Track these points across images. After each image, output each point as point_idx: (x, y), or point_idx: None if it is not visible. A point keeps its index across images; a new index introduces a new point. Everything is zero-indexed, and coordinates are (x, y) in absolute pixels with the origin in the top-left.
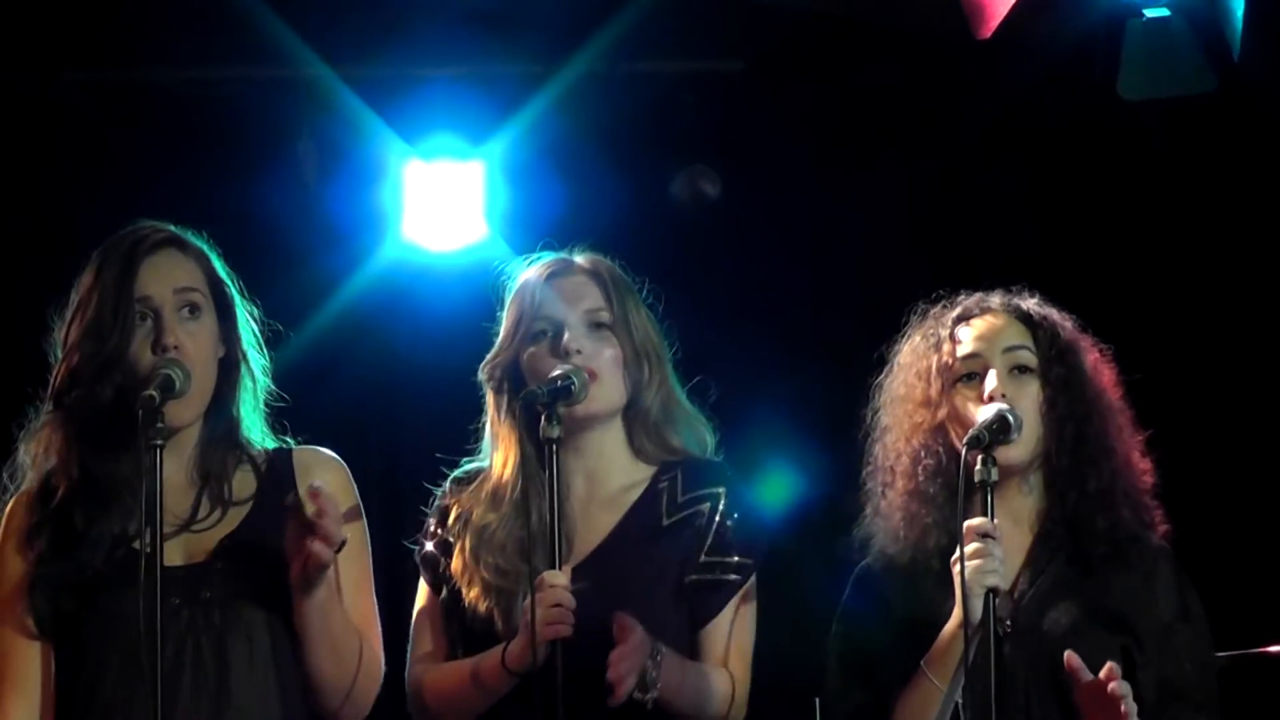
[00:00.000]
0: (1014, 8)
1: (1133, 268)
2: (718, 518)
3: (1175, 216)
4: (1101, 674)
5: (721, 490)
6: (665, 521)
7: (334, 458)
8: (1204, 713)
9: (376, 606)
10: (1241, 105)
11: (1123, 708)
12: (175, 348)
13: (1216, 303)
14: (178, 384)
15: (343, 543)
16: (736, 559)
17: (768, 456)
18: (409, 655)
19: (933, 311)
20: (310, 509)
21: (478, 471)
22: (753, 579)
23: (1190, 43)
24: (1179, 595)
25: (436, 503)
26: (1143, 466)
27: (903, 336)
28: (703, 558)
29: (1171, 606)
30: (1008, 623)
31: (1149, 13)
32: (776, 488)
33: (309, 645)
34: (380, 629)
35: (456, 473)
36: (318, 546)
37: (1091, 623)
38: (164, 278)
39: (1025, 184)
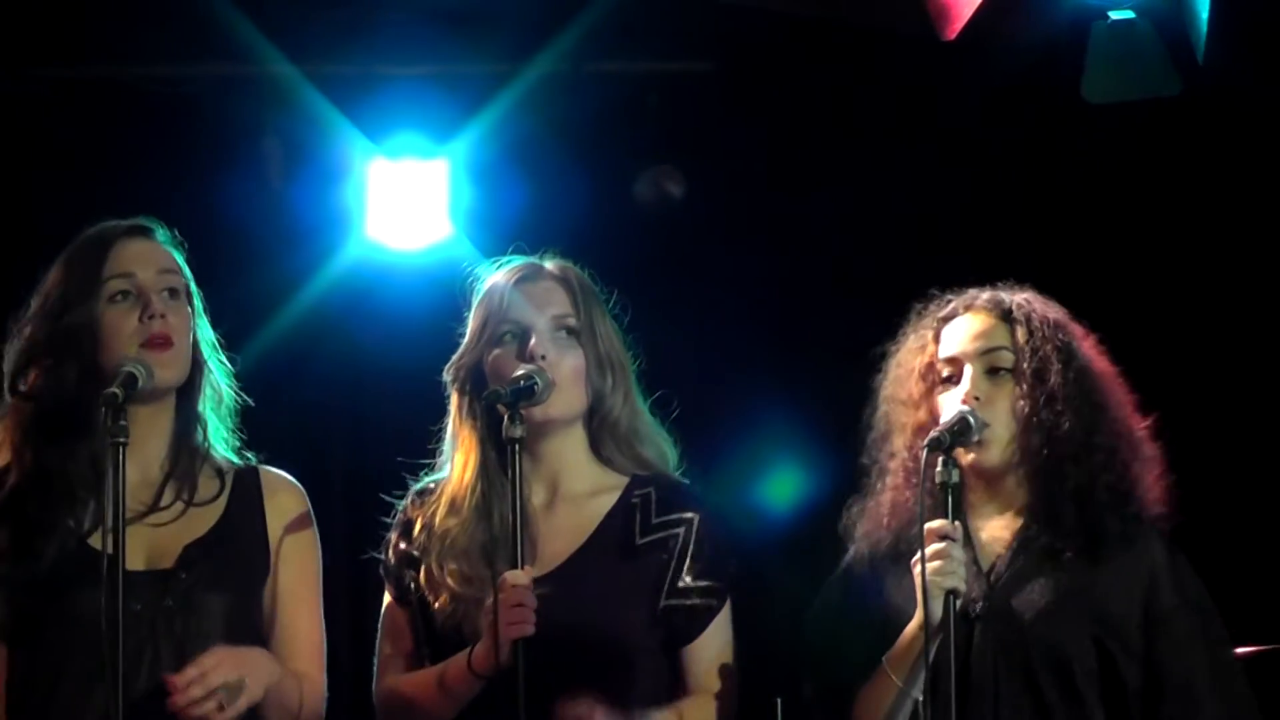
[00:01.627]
0: (979, 9)
1: (1095, 267)
2: (692, 543)
3: (1139, 219)
4: None
5: (695, 516)
6: (638, 540)
7: (295, 483)
8: (1224, 701)
9: (322, 628)
10: (1207, 107)
11: None
12: (162, 316)
13: (1185, 301)
14: (141, 381)
15: (239, 690)
16: (712, 583)
17: (732, 458)
18: (375, 665)
19: (928, 309)
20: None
21: (438, 483)
22: (728, 603)
23: (1155, 45)
24: (1174, 579)
25: (399, 515)
26: (1138, 455)
27: (901, 334)
28: (680, 583)
29: (1167, 592)
30: (979, 604)
31: (1114, 15)
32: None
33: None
34: (325, 651)
35: (418, 485)
36: (222, 716)
37: (1065, 608)
38: (148, 259)
39: (991, 184)
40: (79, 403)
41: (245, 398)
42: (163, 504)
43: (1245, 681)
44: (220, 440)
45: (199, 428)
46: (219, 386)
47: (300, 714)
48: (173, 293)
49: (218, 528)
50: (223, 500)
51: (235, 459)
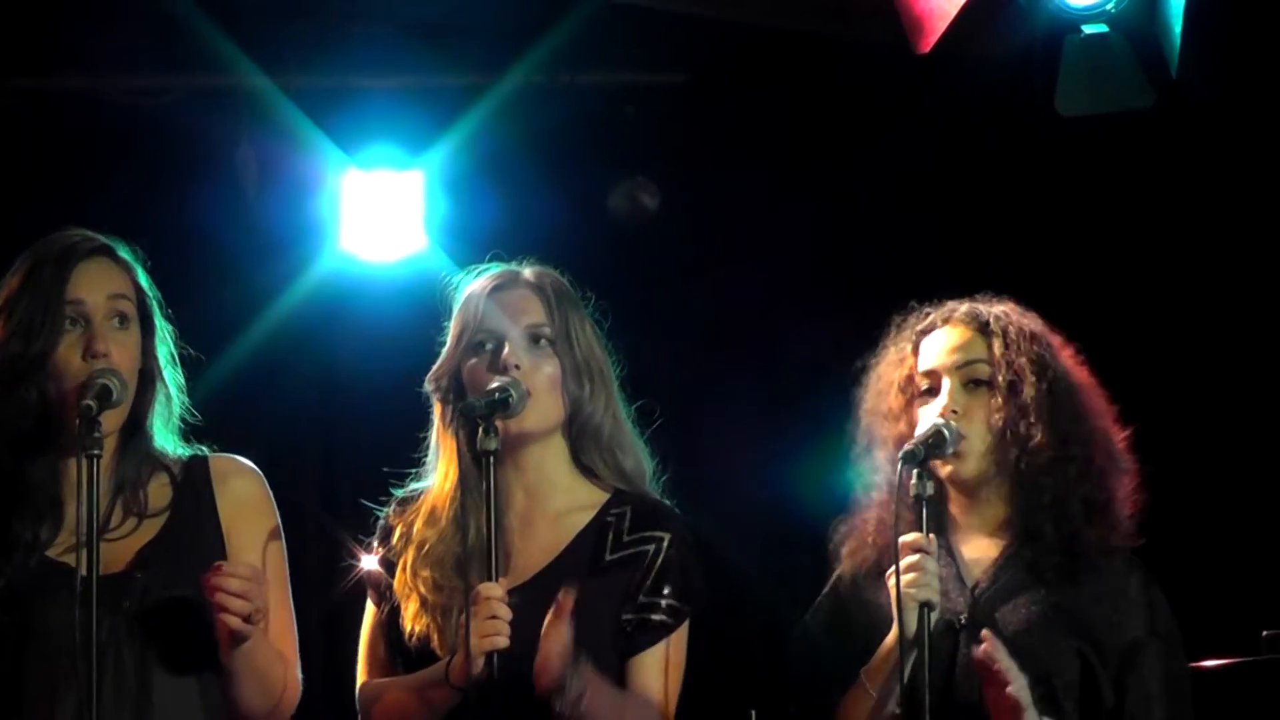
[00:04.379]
0: (953, 23)
1: (1068, 279)
2: (659, 562)
3: (1112, 230)
4: (979, 650)
5: (667, 536)
6: (608, 557)
7: (251, 466)
8: None
9: (294, 620)
10: (1179, 121)
11: (995, 666)
12: (105, 355)
13: (1158, 312)
14: (115, 393)
15: (260, 614)
16: (670, 602)
17: (705, 469)
18: (357, 672)
19: (906, 322)
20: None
21: (421, 491)
22: (685, 625)
23: (1128, 59)
24: (1148, 611)
25: (381, 522)
26: (1113, 467)
27: (880, 348)
28: (641, 598)
29: (1139, 623)
30: (963, 616)
31: (1087, 29)
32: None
33: (236, 680)
34: (296, 643)
35: (401, 493)
36: (234, 623)
37: (1048, 622)
38: (98, 284)
39: (965, 196)
40: (39, 420)
41: (200, 413)
42: (113, 524)
43: (1192, 714)
44: (168, 442)
45: (146, 442)
46: (170, 398)
47: (282, 696)
48: (122, 319)
49: (168, 526)
50: (173, 501)
51: (185, 452)
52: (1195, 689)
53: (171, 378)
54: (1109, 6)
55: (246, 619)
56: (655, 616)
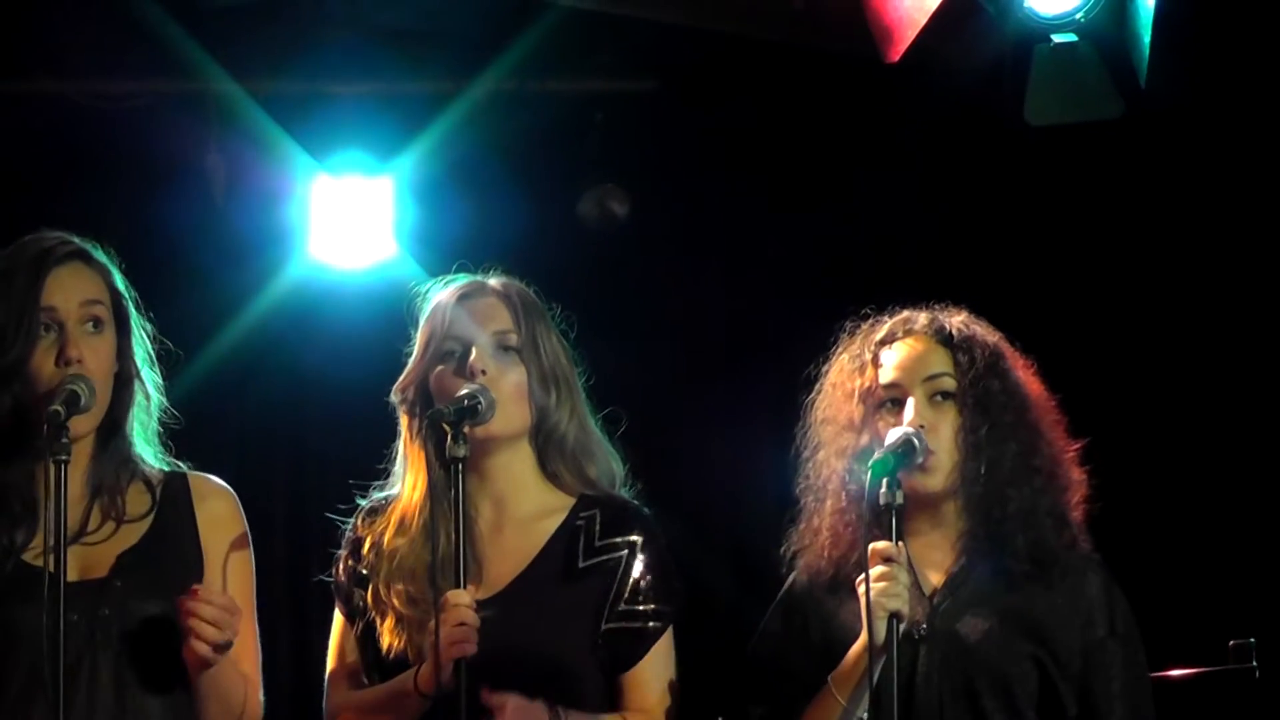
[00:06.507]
0: (922, 32)
1: (1038, 285)
2: (635, 566)
3: (1081, 240)
4: None
5: (639, 539)
6: (581, 563)
7: (226, 487)
8: None
9: (258, 642)
10: (1148, 130)
11: None
12: (79, 361)
13: (1124, 322)
14: (83, 399)
15: (228, 643)
16: (654, 607)
17: (676, 477)
18: (325, 684)
19: (861, 329)
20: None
21: (388, 500)
22: (670, 629)
23: (1097, 68)
24: (1108, 611)
25: (349, 534)
26: (1070, 479)
27: (833, 354)
28: (621, 606)
29: (1100, 623)
30: (923, 626)
31: (1056, 38)
32: None
33: (199, 699)
34: (260, 665)
35: (367, 504)
36: (202, 649)
37: (1006, 630)
38: (71, 290)
39: (933, 205)
40: (12, 426)
41: (178, 415)
42: (90, 527)
43: (1154, 712)
44: (147, 450)
45: (125, 445)
46: (149, 398)
47: (243, 715)
48: (96, 323)
49: (149, 535)
50: (153, 510)
51: (165, 466)
52: (1163, 698)
53: (150, 378)
54: (1078, 16)
55: (216, 647)
56: (641, 625)
